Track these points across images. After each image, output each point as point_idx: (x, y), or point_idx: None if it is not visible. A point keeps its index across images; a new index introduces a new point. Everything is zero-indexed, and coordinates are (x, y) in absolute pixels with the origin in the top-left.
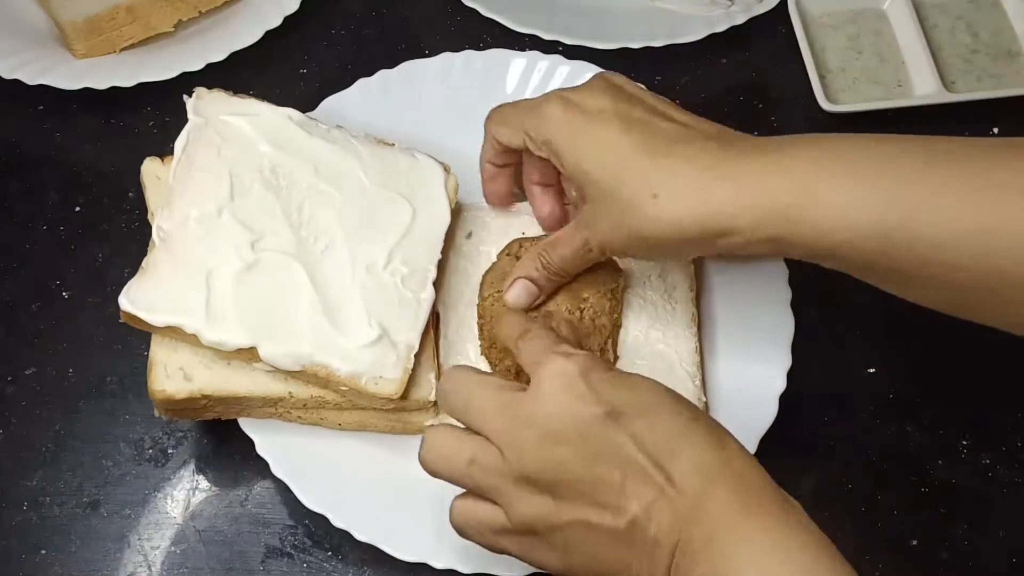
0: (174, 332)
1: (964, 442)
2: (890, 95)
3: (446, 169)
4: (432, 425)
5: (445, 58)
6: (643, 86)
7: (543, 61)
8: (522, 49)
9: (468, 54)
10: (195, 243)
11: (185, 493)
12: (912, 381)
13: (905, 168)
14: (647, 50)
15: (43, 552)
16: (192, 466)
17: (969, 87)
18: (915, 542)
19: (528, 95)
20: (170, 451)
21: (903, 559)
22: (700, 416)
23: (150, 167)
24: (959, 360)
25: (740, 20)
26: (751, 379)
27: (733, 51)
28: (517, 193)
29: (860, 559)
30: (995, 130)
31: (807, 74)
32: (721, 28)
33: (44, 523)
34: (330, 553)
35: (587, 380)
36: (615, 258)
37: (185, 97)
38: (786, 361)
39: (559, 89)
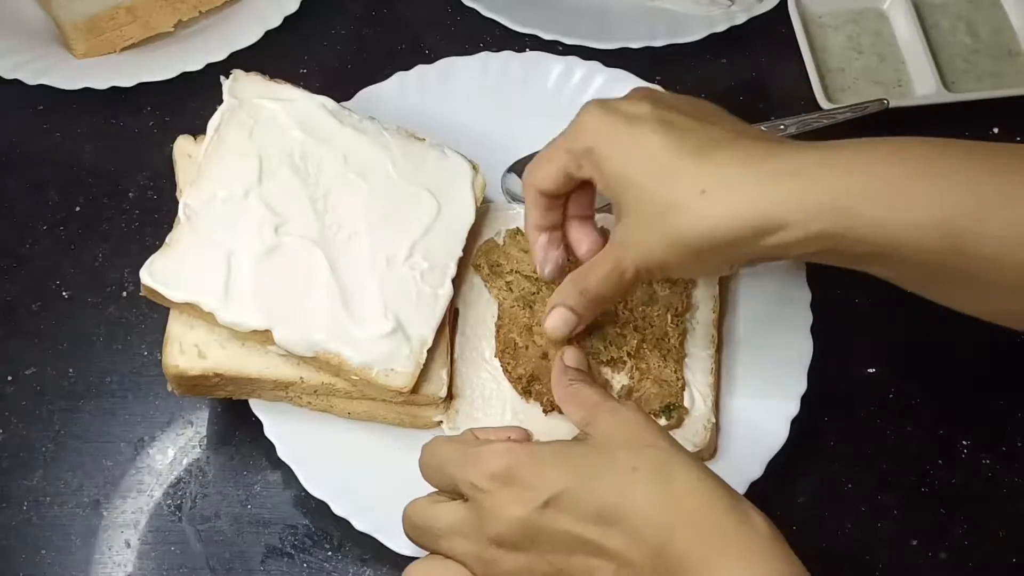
0: (191, 309)
1: (964, 442)
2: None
3: (475, 167)
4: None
5: (484, 57)
6: (686, 96)
7: (580, 68)
8: (522, 49)
9: (507, 55)
10: (219, 223)
11: (185, 493)
12: (912, 381)
13: (975, 169)
14: (647, 50)
15: (43, 552)
16: (192, 466)
17: (969, 87)
18: (915, 542)
19: (564, 99)
20: (170, 451)
21: (903, 559)
22: (642, 459)
23: (183, 144)
24: (959, 361)
25: (740, 20)
26: (764, 402)
27: (733, 51)
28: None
29: (860, 559)
30: (995, 130)
31: (807, 74)
32: (721, 28)
33: (44, 523)
34: (330, 553)
35: (513, 477)
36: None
37: (222, 78)
38: (801, 386)
39: (594, 99)
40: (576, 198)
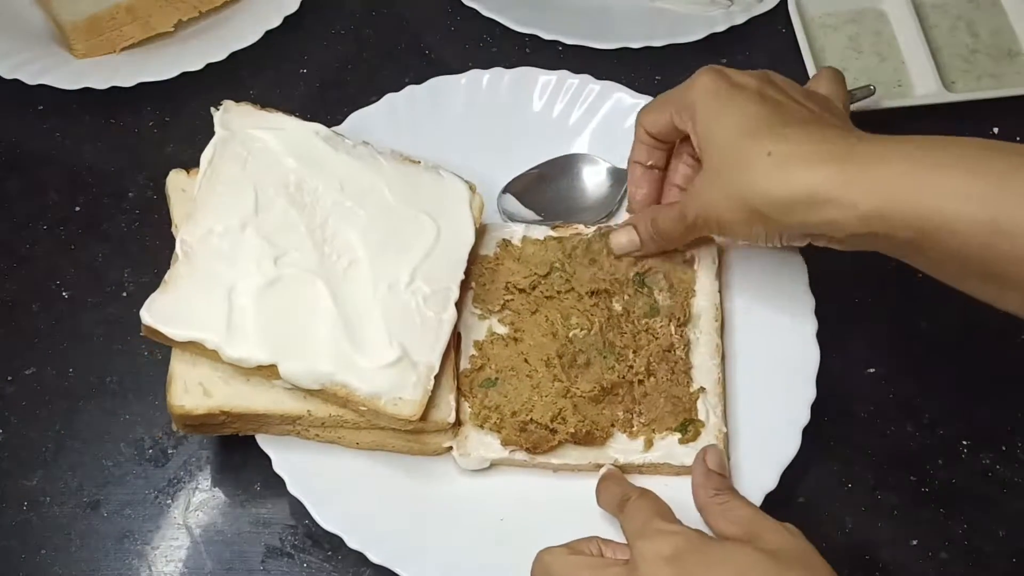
0: (194, 347)
1: (964, 442)
2: (890, 95)
3: (472, 188)
4: None
5: (473, 75)
6: (800, 86)
7: (572, 79)
8: (522, 49)
9: (496, 71)
10: (217, 258)
11: (185, 493)
12: (912, 381)
13: (1014, 162)
14: (647, 50)
15: (43, 552)
16: (192, 466)
17: (969, 87)
18: (915, 542)
19: (555, 114)
20: (170, 451)
21: (903, 559)
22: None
23: (175, 179)
24: (959, 360)
25: (740, 20)
26: (774, 411)
27: (733, 51)
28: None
29: (860, 559)
30: (995, 130)
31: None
32: (721, 28)
33: (44, 523)
34: (330, 553)
35: (681, 563)
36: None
37: (213, 110)
38: (810, 394)
39: (712, 65)
40: (652, 149)
